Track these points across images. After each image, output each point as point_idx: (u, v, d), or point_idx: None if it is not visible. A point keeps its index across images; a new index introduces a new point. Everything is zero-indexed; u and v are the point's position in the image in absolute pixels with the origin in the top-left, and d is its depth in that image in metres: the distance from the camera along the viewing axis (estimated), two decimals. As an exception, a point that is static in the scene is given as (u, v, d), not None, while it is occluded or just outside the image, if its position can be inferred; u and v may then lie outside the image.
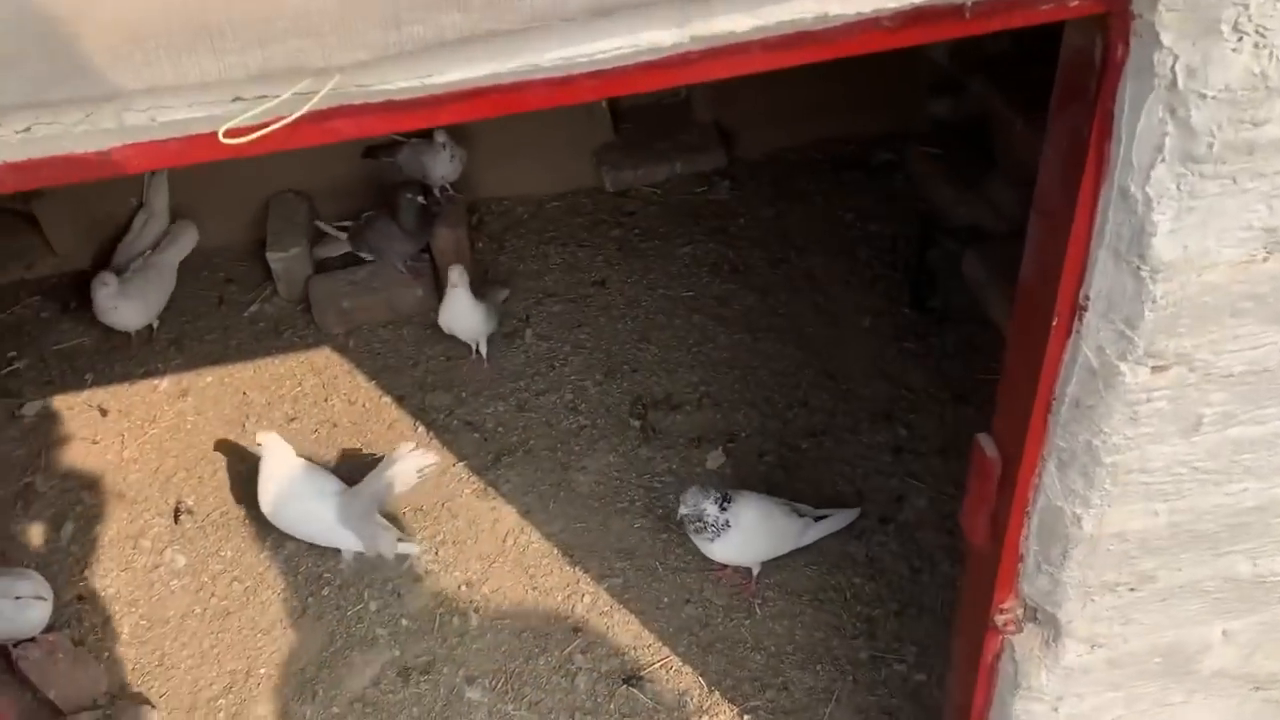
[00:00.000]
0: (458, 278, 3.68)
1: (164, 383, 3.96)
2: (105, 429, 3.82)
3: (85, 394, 3.95)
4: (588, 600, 3.13)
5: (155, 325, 4.09)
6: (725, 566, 3.09)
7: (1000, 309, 3.68)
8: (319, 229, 4.29)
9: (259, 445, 3.32)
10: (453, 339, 3.95)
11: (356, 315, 4.08)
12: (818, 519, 3.11)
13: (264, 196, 4.40)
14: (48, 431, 3.83)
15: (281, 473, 3.27)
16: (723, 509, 2.88)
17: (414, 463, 3.27)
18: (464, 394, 3.82)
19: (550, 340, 3.98)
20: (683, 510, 2.90)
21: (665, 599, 3.11)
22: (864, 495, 3.30)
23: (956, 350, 3.74)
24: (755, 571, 3.08)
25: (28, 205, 4.15)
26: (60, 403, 3.93)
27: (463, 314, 3.75)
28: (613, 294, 4.14)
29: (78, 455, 3.73)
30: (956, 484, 3.09)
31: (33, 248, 4.23)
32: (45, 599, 3.04)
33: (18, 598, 2.95)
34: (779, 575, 3.12)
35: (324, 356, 4.02)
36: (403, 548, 3.27)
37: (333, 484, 3.31)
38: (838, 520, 3.10)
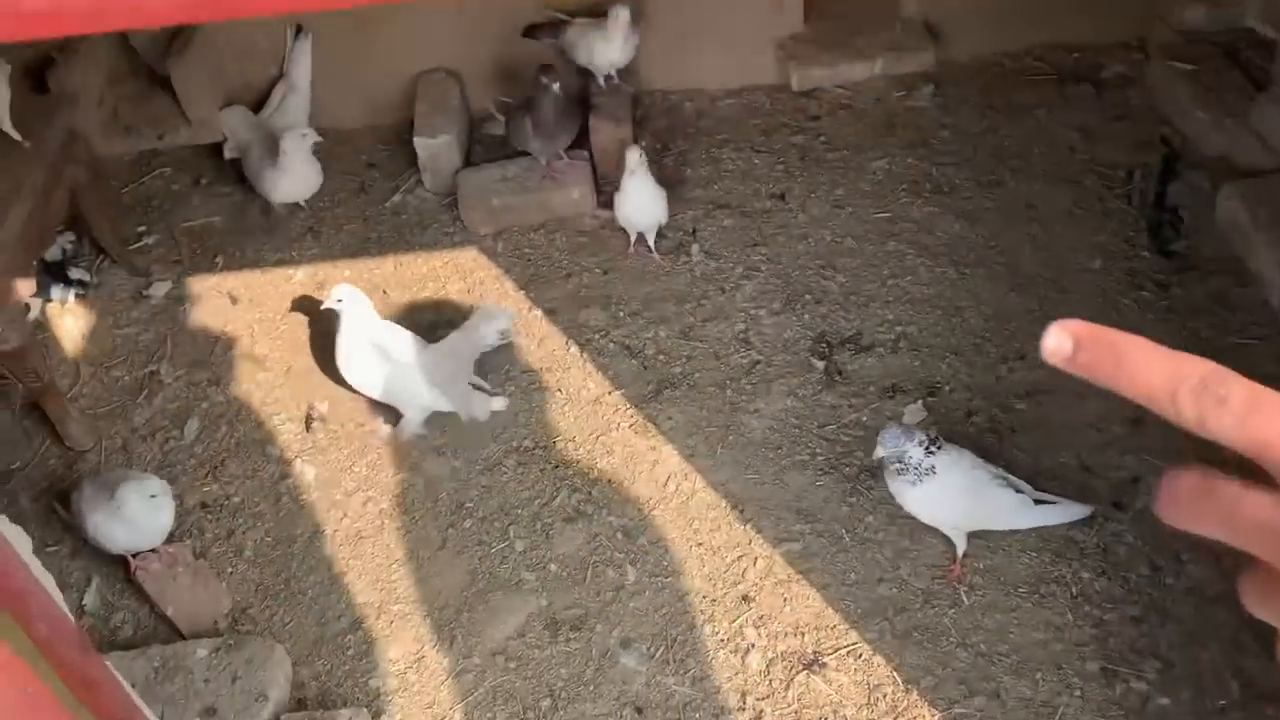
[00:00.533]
0: (636, 162, 3.27)
1: (299, 273, 3.64)
2: (235, 319, 3.53)
3: (215, 279, 3.66)
4: (761, 565, 2.73)
5: (303, 205, 3.76)
6: (953, 563, 2.64)
7: (1268, 258, 3.09)
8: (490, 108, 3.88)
9: (338, 301, 3.02)
10: (609, 249, 3.54)
11: (506, 216, 3.68)
12: (1037, 501, 2.62)
13: (412, 74, 3.99)
14: (175, 316, 3.55)
15: (362, 329, 3.01)
16: (929, 452, 2.47)
17: (497, 325, 3.12)
18: (621, 312, 3.40)
19: (720, 259, 3.52)
20: (879, 451, 2.49)
21: (853, 574, 2.69)
22: (1092, 471, 2.80)
23: (1205, 305, 3.17)
24: (961, 549, 2.63)
25: (164, 68, 3.82)
26: (189, 286, 3.65)
27: (647, 201, 3.35)
28: (793, 210, 3.65)
29: (205, 346, 3.45)
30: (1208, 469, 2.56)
31: (166, 115, 3.91)
32: (171, 503, 2.77)
33: (152, 496, 2.66)
34: (990, 559, 2.66)
35: (470, 258, 3.64)
36: (496, 404, 3.11)
37: (418, 342, 3.09)
38: (1062, 513, 2.61)
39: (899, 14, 3.99)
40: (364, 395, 3.13)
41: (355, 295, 3.04)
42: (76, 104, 3.41)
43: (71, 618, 1.25)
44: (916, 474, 2.49)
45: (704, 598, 2.69)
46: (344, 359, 3.05)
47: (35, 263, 3.45)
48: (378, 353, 3.02)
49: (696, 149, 3.91)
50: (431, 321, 3.38)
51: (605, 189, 3.71)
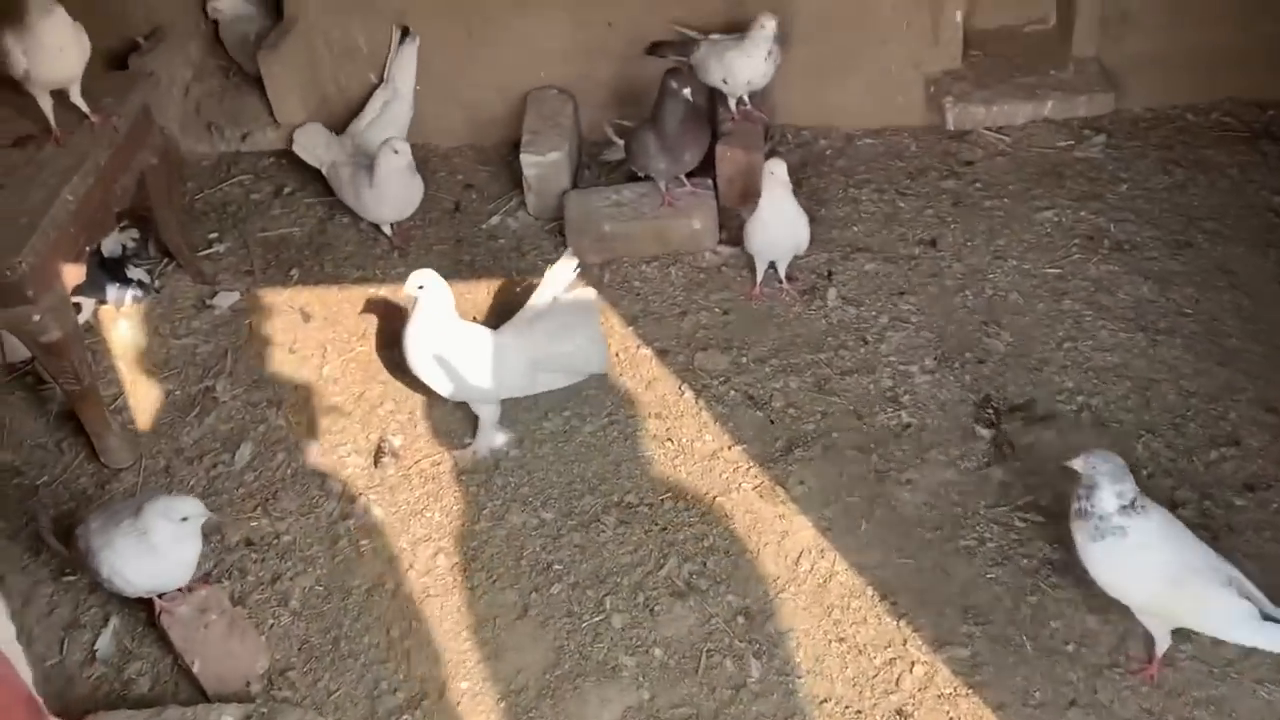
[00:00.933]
0: (780, 176, 2.87)
1: (380, 292, 3.23)
2: (306, 336, 3.13)
3: (288, 292, 3.28)
4: (919, 673, 2.19)
5: (392, 227, 3.37)
6: (1148, 662, 2.08)
7: None
8: (606, 132, 3.48)
9: (419, 288, 2.64)
10: (732, 288, 3.11)
11: (617, 244, 3.25)
12: (1267, 617, 2.05)
13: (522, 91, 3.63)
14: (239, 329, 3.17)
15: (438, 319, 2.65)
16: (1124, 510, 1.99)
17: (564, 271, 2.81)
18: (745, 358, 2.93)
19: (861, 306, 3.05)
20: (1076, 464, 2.04)
21: (1036, 691, 2.14)
22: (1340, 590, 2.23)
23: None
24: (1160, 646, 2.07)
25: (254, 65, 3.50)
26: (258, 298, 3.26)
27: (787, 222, 2.94)
28: (946, 258, 3.18)
29: (270, 363, 3.05)
30: None
31: (253, 115, 3.59)
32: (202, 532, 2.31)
33: (183, 519, 2.18)
34: (1214, 688, 2.10)
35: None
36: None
37: (491, 333, 2.75)
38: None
39: (1071, 54, 3.54)
40: (431, 391, 2.74)
41: (437, 282, 2.66)
42: (156, 85, 3.09)
43: (26, 683, 0.78)
44: (1099, 527, 2.00)
45: (847, 708, 2.16)
46: (412, 346, 2.68)
47: (90, 253, 3.09)
48: (449, 344, 2.66)
49: (832, 187, 3.47)
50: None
51: (729, 223, 3.28)
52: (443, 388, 2.68)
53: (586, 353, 2.76)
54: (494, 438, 2.72)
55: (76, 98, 2.72)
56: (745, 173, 3.30)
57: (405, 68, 3.58)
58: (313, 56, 3.57)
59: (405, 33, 3.55)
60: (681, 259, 3.25)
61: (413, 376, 2.74)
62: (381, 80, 3.61)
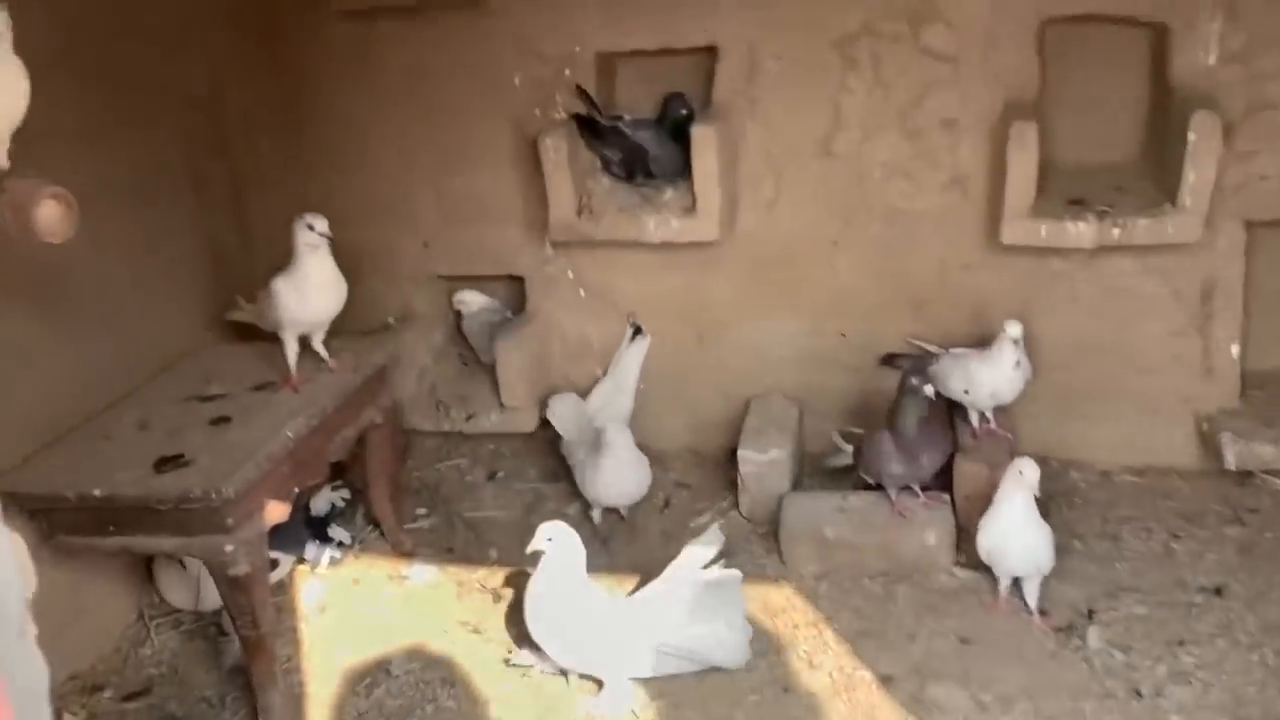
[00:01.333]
0: (1028, 471, 2.62)
1: (576, 581, 3.00)
2: (494, 619, 2.91)
3: (483, 571, 3.12)
4: None
5: (624, 513, 3.22)
6: None
7: None
8: (833, 439, 3.29)
9: (547, 540, 2.55)
10: (970, 615, 2.70)
11: (839, 554, 2.94)
12: None
13: (746, 396, 3.53)
14: (428, 605, 2.99)
15: (564, 578, 2.55)
16: None
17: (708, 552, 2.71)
18: (987, 696, 2.47)
19: (1131, 653, 2.55)
20: None
21: None
22: None
23: None
24: None
25: (491, 354, 3.59)
26: (454, 575, 3.10)
27: (1026, 529, 2.64)
28: (1235, 610, 2.67)
29: (452, 642, 2.82)
30: None
31: (480, 397, 3.63)
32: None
33: None
34: None
35: (783, 597, 2.89)
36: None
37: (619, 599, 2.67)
38: None
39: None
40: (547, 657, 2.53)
41: (568, 537, 2.53)
42: (398, 352, 3.19)
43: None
44: None
45: None
46: (532, 606, 2.53)
47: (300, 505, 3.07)
48: (570, 607, 2.51)
49: (1087, 520, 3.08)
50: (728, 659, 2.59)
51: (969, 544, 2.92)
52: (558, 656, 2.50)
53: (725, 641, 2.54)
54: (619, 704, 2.43)
55: (319, 344, 2.82)
56: (988, 492, 2.98)
57: (632, 364, 3.58)
58: (546, 349, 3.64)
59: (637, 330, 3.58)
60: (912, 577, 2.88)
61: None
62: (606, 373, 3.61)
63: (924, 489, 2.99)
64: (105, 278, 2.82)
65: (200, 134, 3.23)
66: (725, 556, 2.83)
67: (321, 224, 2.68)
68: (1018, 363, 2.96)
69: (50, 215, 1.72)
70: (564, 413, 3.41)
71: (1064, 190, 3.07)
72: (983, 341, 3.12)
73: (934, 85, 3.10)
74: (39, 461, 2.50)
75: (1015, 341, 2.92)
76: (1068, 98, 3.14)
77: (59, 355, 2.65)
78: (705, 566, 2.72)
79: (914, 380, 2.80)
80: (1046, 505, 3.09)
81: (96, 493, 2.36)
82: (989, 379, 3.00)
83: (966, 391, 3.06)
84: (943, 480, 3.05)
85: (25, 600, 0.56)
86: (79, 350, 2.73)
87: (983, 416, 3.14)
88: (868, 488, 3.07)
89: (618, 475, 3.11)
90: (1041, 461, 3.30)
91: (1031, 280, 3.21)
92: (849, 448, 3.17)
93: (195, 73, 3.19)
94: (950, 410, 3.21)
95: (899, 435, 2.84)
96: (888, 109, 3.15)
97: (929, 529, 2.90)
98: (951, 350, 3.19)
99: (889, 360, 3.35)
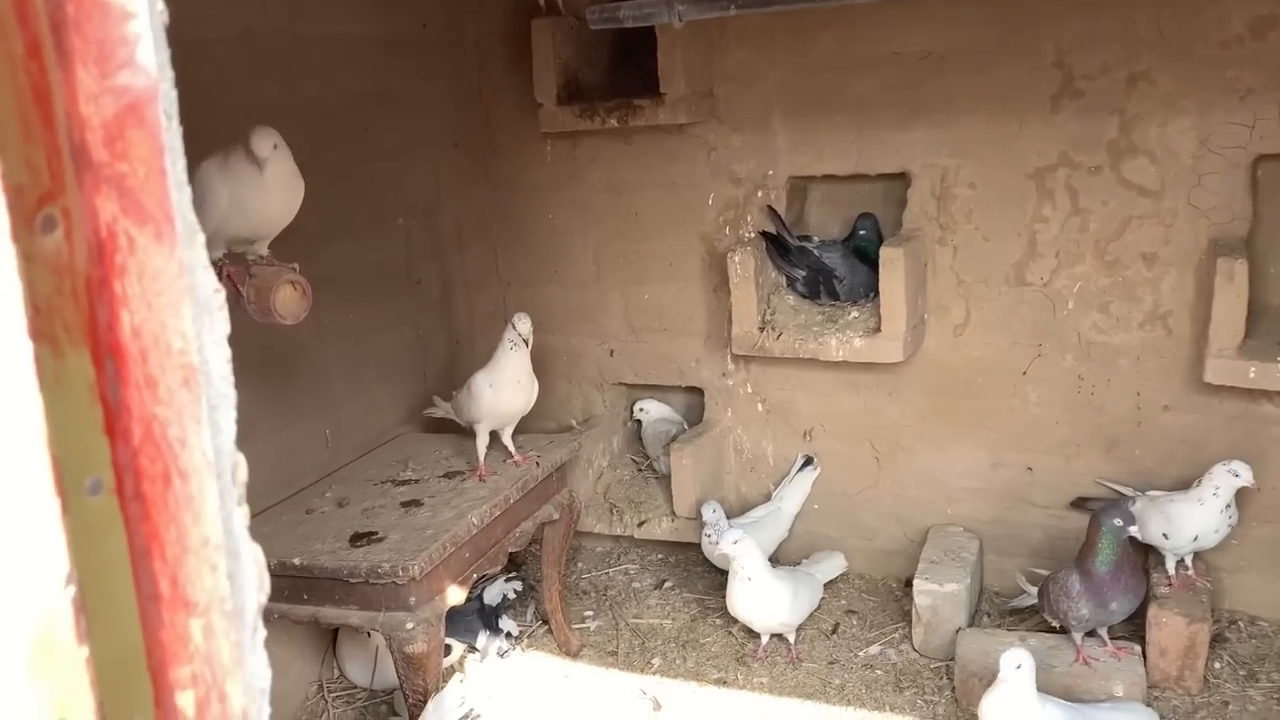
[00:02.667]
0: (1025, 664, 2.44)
1: (737, 698, 2.97)
2: (650, 725, 2.89)
3: (644, 679, 3.11)
4: None
5: (793, 639, 3.17)
6: None
7: None
8: (1017, 580, 3.16)
9: (1017, 669, 2.45)
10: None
11: (1015, 697, 2.78)
12: None
13: (924, 526, 3.45)
14: (588, 705, 3.00)
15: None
16: None
17: None
18: None
19: (1351, 842, 2.28)
20: None
21: None
22: None
23: None
24: None
25: (666, 465, 3.66)
26: (614, 678, 3.12)
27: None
28: None
29: (608, 744, 2.83)
30: None
31: (654, 505, 3.68)
32: None
33: None
34: None
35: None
36: None
37: None
38: None
39: None
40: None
41: (1031, 663, 2.45)
42: (578, 452, 3.30)
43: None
44: None
45: None
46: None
47: (475, 595, 3.18)
48: None
49: (1301, 689, 2.81)
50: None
51: (1159, 699, 2.72)
52: None
53: None
54: None
55: (508, 439, 2.96)
56: (1186, 648, 2.79)
57: (796, 492, 3.56)
58: (720, 460, 3.68)
59: (809, 461, 3.58)
60: (1096, 730, 2.70)
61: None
62: (771, 495, 3.60)
63: (1112, 637, 2.82)
64: (324, 364, 3.07)
65: (419, 239, 3.50)
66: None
67: (525, 325, 2.85)
68: (1228, 506, 2.78)
69: (288, 299, 1.92)
70: (713, 520, 3.37)
71: (1277, 333, 2.92)
72: (1181, 485, 2.96)
73: (1135, 218, 3.04)
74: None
75: (1238, 481, 2.75)
76: (1282, 237, 3.01)
77: (277, 432, 2.89)
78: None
79: (1117, 520, 2.65)
80: (1254, 667, 2.89)
81: (296, 561, 2.53)
82: (1195, 521, 2.83)
83: (1166, 535, 2.89)
84: (1132, 628, 2.87)
85: (260, 605, 0.64)
86: (294, 429, 2.96)
87: (1180, 563, 2.95)
88: (1050, 631, 2.92)
89: (744, 600, 3.06)
90: (1250, 621, 3.12)
91: (1238, 424, 3.03)
92: (1033, 589, 3.03)
93: (420, 185, 3.48)
94: (1145, 555, 3.03)
95: (1088, 575, 2.70)
96: (1085, 240, 3.10)
97: (1116, 680, 2.72)
98: (1149, 493, 3.03)
99: (1080, 504, 3.21)
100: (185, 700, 0.53)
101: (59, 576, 0.42)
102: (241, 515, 0.63)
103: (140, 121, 0.49)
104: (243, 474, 0.64)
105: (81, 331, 0.47)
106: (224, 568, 0.56)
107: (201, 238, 0.60)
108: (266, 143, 1.98)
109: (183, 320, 0.52)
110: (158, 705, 0.52)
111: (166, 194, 0.51)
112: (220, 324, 0.60)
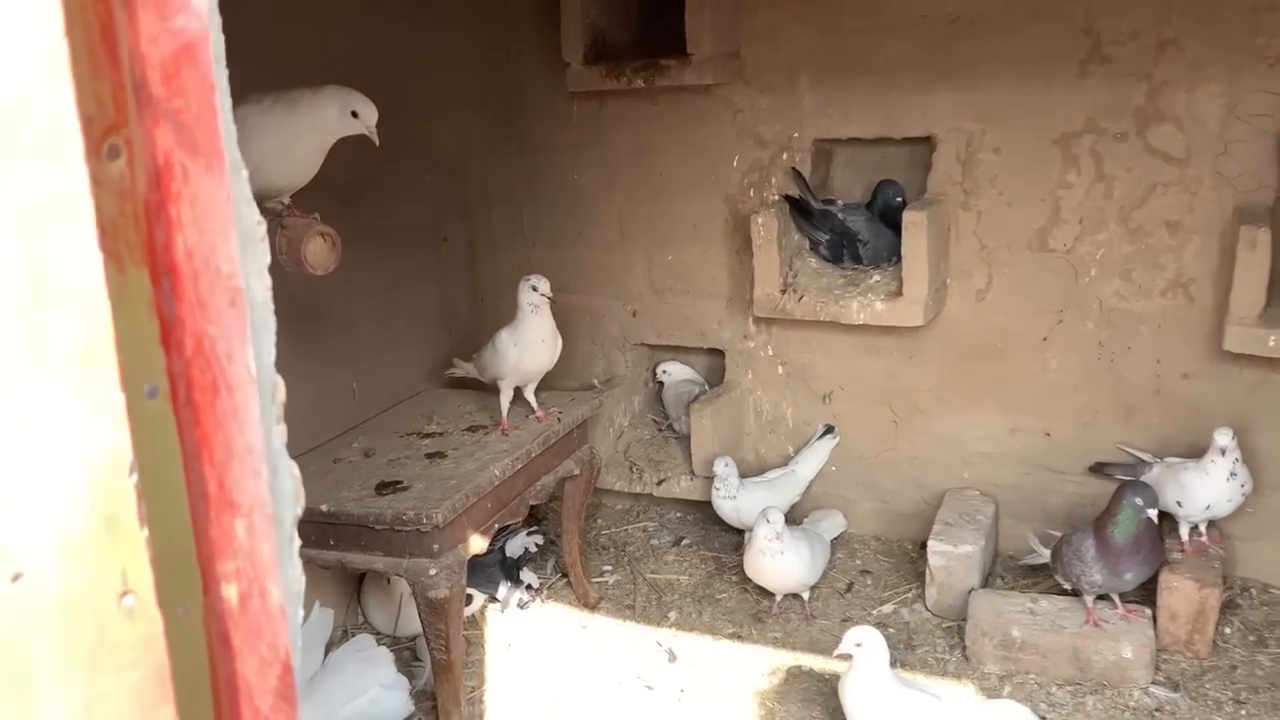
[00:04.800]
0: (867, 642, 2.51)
1: (750, 652, 3.04)
2: (667, 676, 2.97)
3: (662, 632, 3.19)
4: None
5: (807, 596, 3.22)
6: None
7: None
8: (1029, 540, 3.19)
9: (856, 645, 2.49)
10: (1174, 736, 2.52)
11: (1026, 656, 2.84)
12: None
13: (941, 490, 3.48)
14: (604, 654, 3.08)
15: (878, 681, 2.48)
16: None
17: None
18: (1180, 828, 2.30)
19: (1351, 803, 2.33)
20: None
21: None
22: None
23: None
24: None
25: (685, 425, 3.71)
26: (632, 630, 3.19)
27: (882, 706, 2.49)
28: None
29: (623, 694, 2.90)
30: None
31: (673, 464, 3.74)
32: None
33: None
34: None
35: (963, 697, 2.80)
36: None
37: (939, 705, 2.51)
38: None
39: None
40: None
41: (875, 641, 2.48)
42: (599, 408, 3.35)
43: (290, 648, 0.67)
44: None
45: None
46: (854, 709, 2.49)
47: (497, 546, 3.26)
48: (894, 711, 2.45)
49: (1311, 655, 2.84)
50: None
51: (1167, 663, 2.77)
52: None
53: None
54: None
55: (530, 395, 3.02)
56: (1196, 612, 2.83)
57: (813, 458, 3.59)
58: (740, 421, 3.73)
59: (829, 429, 3.61)
60: (1103, 691, 2.75)
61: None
62: (789, 458, 3.65)
63: (1123, 600, 2.86)
64: (352, 319, 3.14)
65: (446, 198, 3.55)
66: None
67: (544, 285, 2.89)
68: (1232, 474, 2.80)
69: (318, 250, 1.97)
70: (724, 475, 3.41)
71: (1300, 302, 2.92)
72: (1198, 453, 2.98)
73: (1160, 185, 3.04)
74: (278, 476, 2.79)
75: (1223, 451, 2.78)
76: (1310, 206, 3.00)
77: (305, 382, 2.95)
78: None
79: (1139, 500, 2.67)
80: (1264, 633, 2.92)
81: (324, 508, 2.60)
82: (1203, 490, 2.85)
83: (1179, 503, 2.92)
84: (1145, 593, 2.91)
85: (295, 516, 0.70)
86: (322, 380, 3.03)
87: (1194, 529, 2.98)
88: (1062, 594, 2.96)
89: (758, 565, 3.11)
90: (1262, 589, 3.14)
91: (1258, 393, 3.04)
92: (1045, 550, 3.07)
93: (448, 143, 3.52)
94: (1161, 521, 3.06)
95: (1105, 543, 2.73)
96: (1109, 207, 3.10)
97: (1125, 641, 2.76)
98: (1166, 460, 3.06)
99: (1099, 469, 3.24)
100: (230, 592, 0.59)
101: (125, 464, 0.47)
102: (280, 432, 0.69)
103: (194, 61, 0.53)
104: (281, 394, 0.69)
105: (141, 250, 0.51)
106: (265, 476, 0.61)
107: (245, 173, 0.65)
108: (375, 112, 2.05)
109: (230, 246, 0.57)
110: (206, 593, 0.57)
111: (216, 130, 0.56)
112: (262, 254, 0.65)
